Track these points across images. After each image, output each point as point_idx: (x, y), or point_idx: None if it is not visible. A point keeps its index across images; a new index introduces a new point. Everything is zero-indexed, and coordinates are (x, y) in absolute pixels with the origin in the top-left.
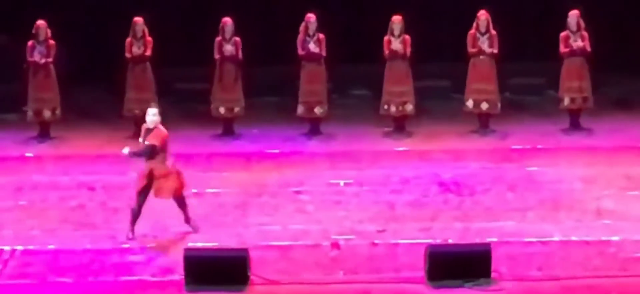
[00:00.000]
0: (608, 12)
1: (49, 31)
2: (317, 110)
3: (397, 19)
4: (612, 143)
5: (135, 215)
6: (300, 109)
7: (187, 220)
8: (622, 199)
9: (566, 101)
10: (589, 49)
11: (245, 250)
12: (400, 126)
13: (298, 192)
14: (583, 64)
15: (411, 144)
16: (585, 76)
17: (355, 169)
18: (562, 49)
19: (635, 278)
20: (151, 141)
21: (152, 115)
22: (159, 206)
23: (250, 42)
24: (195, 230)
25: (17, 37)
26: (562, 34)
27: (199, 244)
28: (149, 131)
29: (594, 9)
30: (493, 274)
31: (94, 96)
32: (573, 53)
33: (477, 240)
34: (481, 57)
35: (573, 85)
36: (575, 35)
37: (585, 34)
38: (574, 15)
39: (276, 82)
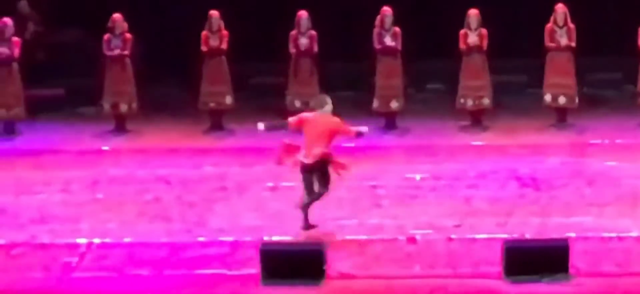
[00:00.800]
0: None
1: (125, 25)
2: (393, 104)
3: (473, 13)
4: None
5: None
6: (376, 103)
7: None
8: None
9: None
10: None
11: (322, 244)
12: (476, 120)
13: (374, 187)
14: None
15: (488, 139)
16: None
17: (431, 164)
18: None
19: None
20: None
21: (328, 104)
22: (233, 201)
23: (326, 36)
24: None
25: (93, 31)
26: None
27: (275, 238)
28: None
29: None
30: (571, 270)
31: (170, 89)
32: None
33: (555, 235)
34: (559, 51)
35: None
36: None
37: None
38: None
39: (352, 77)
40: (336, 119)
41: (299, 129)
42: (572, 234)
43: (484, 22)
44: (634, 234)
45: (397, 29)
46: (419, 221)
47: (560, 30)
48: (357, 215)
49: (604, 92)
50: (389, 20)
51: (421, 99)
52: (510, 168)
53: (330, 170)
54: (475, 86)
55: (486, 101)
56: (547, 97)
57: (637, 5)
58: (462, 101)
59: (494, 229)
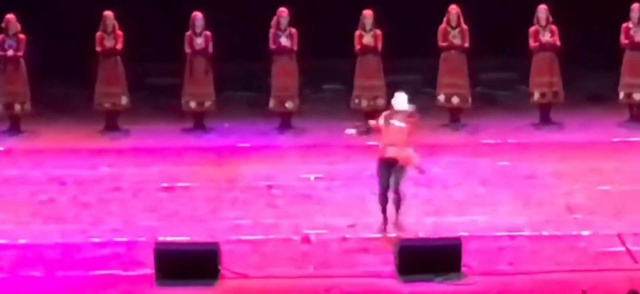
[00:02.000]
0: (579, 6)
1: (18, 25)
2: (289, 104)
3: (368, 14)
4: (583, 138)
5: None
6: (271, 103)
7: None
8: (593, 193)
9: (536, 96)
10: (558, 43)
11: (216, 244)
12: (371, 120)
13: (269, 187)
14: (553, 58)
15: None
16: (555, 71)
17: (326, 164)
18: (532, 43)
19: (605, 273)
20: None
21: (404, 101)
22: (128, 202)
23: (221, 36)
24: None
25: None
26: (532, 28)
27: (169, 238)
28: (394, 113)
29: (565, 3)
30: (463, 269)
31: (65, 90)
32: (543, 47)
33: (448, 234)
34: (452, 51)
35: (543, 80)
36: (544, 30)
37: (554, 28)
38: (543, 9)
39: (248, 77)
40: (412, 118)
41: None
42: (465, 233)
43: (379, 22)
44: (525, 232)
45: (292, 29)
46: (313, 221)
47: (454, 31)
48: (252, 215)
49: (497, 92)
50: (284, 20)
51: (317, 99)
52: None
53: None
54: (370, 86)
55: (381, 102)
56: (441, 97)
57: (530, 6)
58: (356, 101)
59: (388, 229)
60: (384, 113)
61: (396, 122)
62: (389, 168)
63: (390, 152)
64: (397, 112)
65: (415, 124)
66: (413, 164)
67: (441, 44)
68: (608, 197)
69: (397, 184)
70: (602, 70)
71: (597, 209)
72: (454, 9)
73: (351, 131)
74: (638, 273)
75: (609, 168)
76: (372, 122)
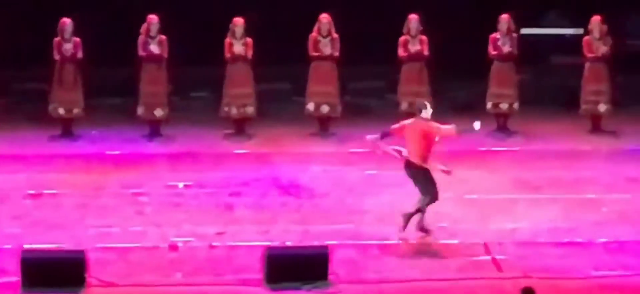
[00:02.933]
0: (447, 17)
1: None
2: (157, 112)
3: (239, 22)
4: (450, 147)
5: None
6: (140, 111)
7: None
8: (460, 202)
9: (404, 105)
10: (427, 53)
11: (82, 252)
12: (240, 128)
13: (137, 195)
14: (422, 68)
15: (251, 147)
16: (423, 81)
17: (195, 172)
18: (401, 53)
19: (472, 281)
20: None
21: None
22: None
23: (91, 42)
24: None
25: None
26: (401, 38)
27: (36, 246)
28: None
29: (435, 14)
30: (330, 277)
31: None
32: (411, 57)
33: (316, 243)
34: (322, 60)
35: (411, 89)
36: (414, 40)
37: (423, 38)
38: (413, 19)
39: (117, 84)
40: (433, 123)
41: (400, 135)
42: (333, 242)
43: (249, 30)
44: (392, 241)
45: (162, 36)
46: (181, 229)
47: (324, 39)
48: (119, 222)
49: (367, 101)
50: (154, 27)
51: (186, 107)
52: (272, 176)
53: (434, 178)
54: (239, 94)
55: (250, 110)
56: (310, 106)
57: (399, 15)
58: (226, 109)
59: (255, 237)
60: (405, 122)
61: (417, 130)
62: (414, 177)
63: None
64: (421, 118)
65: (435, 129)
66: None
67: (312, 53)
68: (475, 206)
69: (423, 196)
70: (469, 81)
71: (464, 218)
72: (325, 18)
73: (371, 137)
74: (503, 282)
75: (475, 177)
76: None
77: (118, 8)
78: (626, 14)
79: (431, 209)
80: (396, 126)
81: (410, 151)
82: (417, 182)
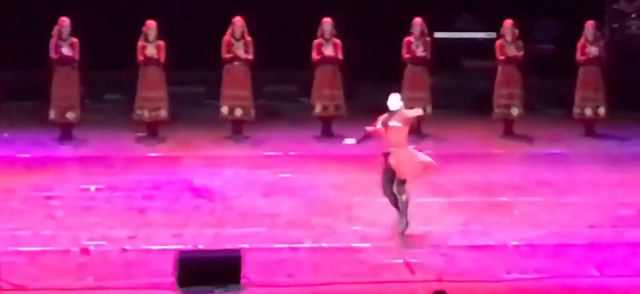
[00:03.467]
0: (362, 21)
1: None
2: (69, 115)
3: (151, 25)
4: (364, 151)
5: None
6: (52, 114)
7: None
8: (373, 206)
9: (318, 108)
10: (340, 57)
11: None
12: (153, 131)
13: (48, 198)
14: (335, 72)
15: (164, 150)
16: (337, 84)
17: (107, 175)
18: (314, 56)
19: (385, 284)
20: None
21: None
22: None
23: (2, 45)
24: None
25: None
26: (315, 41)
27: None
28: (391, 114)
29: (347, 19)
30: (243, 280)
31: None
32: (325, 60)
33: (229, 246)
34: (236, 63)
35: (325, 93)
36: (327, 43)
37: (337, 42)
38: (327, 23)
39: (28, 86)
40: (406, 111)
41: (380, 135)
42: (246, 245)
43: (161, 34)
44: (306, 245)
45: (74, 39)
46: (93, 232)
47: (238, 42)
48: (30, 226)
49: (280, 104)
50: (66, 30)
51: (98, 110)
52: (185, 179)
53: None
54: (152, 97)
55: (163, 113)
56: (224, 109)
57: (311, 19)
58: (139, 112)
59: (168, 240)
60: (381, 117)
61: (394, 123)
62: (392, 177)
63: (392, 162)
64: (394, 113)
65: (412, 121)
66: (413, 176)
67: (226, 55)
68: (388, 210)
69: (399, 193)
70: (383, 84)
71: (377, 222)
72: (238, 20)
73: (350, 141)
74: (416, 285)
75: None
76: (369, 128)
77: (27, 10)
78: (537, 18)
79: (344, 213)
80: (372, 128)
81: (391, 146)
82: (395, 184)
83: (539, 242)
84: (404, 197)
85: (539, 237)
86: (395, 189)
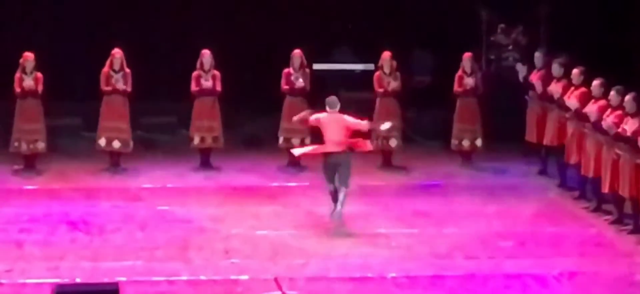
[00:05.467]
0: (240, 52)
1: None
2: None
3: (29, 57)
4: (242, 182)
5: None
6: None
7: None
8: (251, 238)
9: (196, 140)
10: (219, 88)
11: None
12: (30, 163)
13: None
14: (214, 103)
15: (41, 183)
16: (215, 115)
17: None
18: (193, 88)
19: None
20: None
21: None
22: None
23: None
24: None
25: None
26: (194, 73)
27: None
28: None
29: (228, 50)
30: None
31: None
32: (203, 92)
33: (106, 279)
34: (114, 95)
35: (203, 124)
36: (206, 75)
37: (216, 73)
38: (206, 55)
39: None
40: (348, 117)
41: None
42: (123, 278)
43: (39, 65)
44: (183, 277)
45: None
46: None
47: (117, 74)
48: None
49: (158, 136)
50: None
51: None
52: (62, 212)
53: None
54: (30, 130)
55: (41, 145)
56: (102, 141)
57: (190, 50)
58: (16, 144)
59: (44, 274)
60: (320, 116)
61: (336, 122)
62: (335, 165)
63: (337, 146)
64: (332, 111)
65: (353, 122)
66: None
67: (104, 87)
68: (266, 242)
69: (342, 184)
70: (261, 115)
71: (255, 254)
72: (118, 53)
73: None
74: None
75: (266, 212)
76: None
77: None
78: (414, 50)
79: (222, 245)
80: (313, 118)
81: (330, 141)
82: (342, 168)
83: (417, 273)
84: (345, 186)
85: (417, 268)
86: (341, 178)
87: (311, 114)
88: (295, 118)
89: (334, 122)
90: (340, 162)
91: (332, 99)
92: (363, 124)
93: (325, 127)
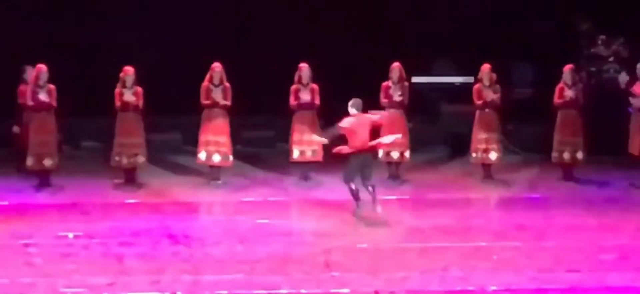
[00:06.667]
0: (338, 66)
1: None
2: (47, 161)
3: (129, 71)
4: (342, 195)
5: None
6: (29, 161)
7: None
8: (352, 251)
9: (296, 154)
10: (318, 102)
11: None
12: (131, 177)
13: (26, 245)
14: (313, 117)
15: (142, 197)
16: (315, 129)
17: (85, 222)
18: (292, 102)
19: None
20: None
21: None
22: None
23: None
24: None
25: None
26: (293, 87)
27: None
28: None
29: (325, 63)
30: None
31: None
32: (302, 106)
33: (206, 293)
34: (214, 109)
35: (302, 138)
36: (305, 88)
37: (315, 87)
38: (304, 68)
39: (4, 134)
40: (369, 115)
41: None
42: (224, 292)
43: (139, 80)
44: (284, 290)
45: (51, 86)
46: (71, 280)
47: (216, 88)
48: (8, 274)
49: (258, 150)
50: (44, 76)
51: (76, 156)
52: (163, 226)
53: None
54: (130, 144)
55: (141, 159)
56: (202, 155)
57: (290, 65)
58: (116, 158)
59: (146, 287)
60: (347, 119)
61: (361, 121)
62: (361, 166)
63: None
64: (358, 113)
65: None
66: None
67: (204, 101)
68: (365, 255)
69: (368, 180)
70: None
71: (355, 267)
72: (217, 66)
73: (321, 139)
74: None
75: (367, 225)
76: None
77: (2, 57)
78: (514, 63)
79: (323, 259)
80: (345, 125)
81: (359, 141)
82: (368, 168)
83: (518, 287)
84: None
85: (518, 282)
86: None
87: (333, 131)
88: (320, 138)
89: (361, 124)
90: (367, 163)
91: (357, 101)
92: (382, 116)
93: (355, 130)
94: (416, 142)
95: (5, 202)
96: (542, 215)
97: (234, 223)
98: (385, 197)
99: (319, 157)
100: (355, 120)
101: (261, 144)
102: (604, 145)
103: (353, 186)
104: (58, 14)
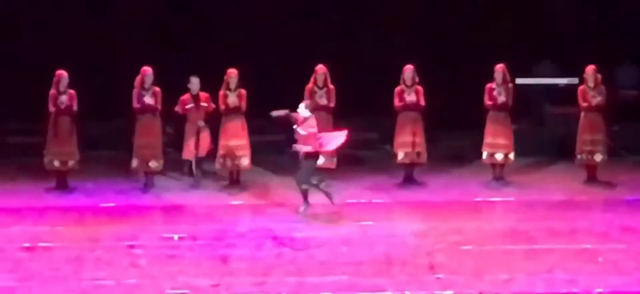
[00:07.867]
0: (442, 68)
1: None
2: (152, 164)
3: (233, 73)
4: (445, 197)
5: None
6: (134, 163)
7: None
8: (455, 253)
9: (400, 156)
10: (423, 103)
11: None
12: (235, 179)
13: (132, 247)
14: (417, 118)
15: (246, 198)
16: (418, 131)
17: (189, 223)
18: (397, 103)
19: None
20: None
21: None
22: None
23: (86, 95)
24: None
25: None
26: (397, 88)
27: None
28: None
29: (429, 65)
30: None
31: None
32: (407, 107)
33: None
34: (317, 111)
35: (407, 140)
36: (409, 90)
37: (419, 88)
38: (409, 70)
39: (111, 135)
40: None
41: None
42: (328, 293)
43: (242, 82)
44: (388, 292)
45: (156, 88)
46: (176, 281)
47: (320, 90)
48: (114, 275)
49: (361, 152)
50: (149, 79)
51: (180, 159)
52: (267, 228)
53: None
54: (234, 146)
55: (245, 161)
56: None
57: (394, 67)
58: (222, 160)
59: (250, 289)
60: (313, 122)
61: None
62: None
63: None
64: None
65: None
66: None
67: (306, 101)
68: (470, 257)
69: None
70: (463, 130)
71: (459, 269)
72: (321, 69)
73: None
74: None
75: (470, 227)
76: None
77: (112, 61)
78: (620, 64)
79: (426, 261)
80: (313, 130)
81: (317, 143)
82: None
83: (625, 289)
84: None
85: (625, 284)
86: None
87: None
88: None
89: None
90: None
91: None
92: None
93: (316, 132)
94: (520, 145)
95: (111, 204)
96: None
97: (338, 225)
98: (490, 198)
99: (424, 159)
100: (314, 121)
101: (364, 146)
102: None
103: (306, 187)
104: None
